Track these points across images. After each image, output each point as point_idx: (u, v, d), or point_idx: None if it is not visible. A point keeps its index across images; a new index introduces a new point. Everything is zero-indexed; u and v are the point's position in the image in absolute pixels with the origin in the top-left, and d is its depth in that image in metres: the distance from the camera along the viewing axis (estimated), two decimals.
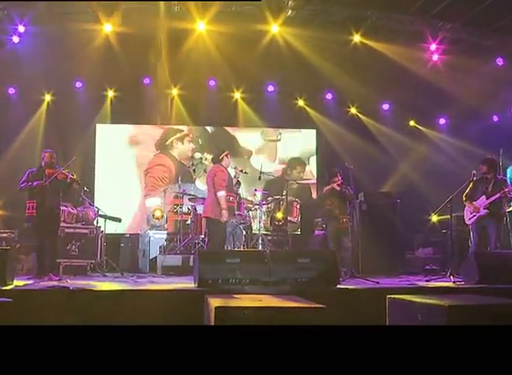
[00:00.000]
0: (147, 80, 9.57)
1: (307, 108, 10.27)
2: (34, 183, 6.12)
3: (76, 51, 8.23)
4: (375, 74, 9.12)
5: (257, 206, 8.32)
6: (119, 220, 8.08)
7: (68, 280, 5.74)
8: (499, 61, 9.02)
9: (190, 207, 8.41)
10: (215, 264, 5.01)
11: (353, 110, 10.40)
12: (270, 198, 8.62)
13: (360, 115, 10.37)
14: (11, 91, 9.29)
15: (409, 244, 8.86)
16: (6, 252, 5.25)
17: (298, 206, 8.85)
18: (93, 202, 8.20)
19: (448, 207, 6.52)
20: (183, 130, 10.08)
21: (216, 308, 3.18)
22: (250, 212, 8.39)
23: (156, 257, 7.85)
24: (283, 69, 9.37)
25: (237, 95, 10.03)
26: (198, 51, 8.70)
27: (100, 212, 7.69)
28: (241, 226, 7.75)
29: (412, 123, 10.50)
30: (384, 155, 9.90)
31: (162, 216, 8.87)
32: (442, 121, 10.57)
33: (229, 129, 10.30)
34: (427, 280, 6.27)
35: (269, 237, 8.43)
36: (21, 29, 8.08)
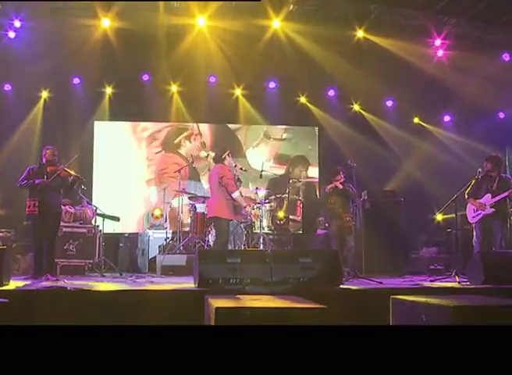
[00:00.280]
0: (146, 77, 9.56)
1: (309, 105, 10.26)
2: (36, 181, 6.11)
3: (73, 46, 8.21)
4: (379, 70, 9.10)
5: (258, 205, 8.32)
6: (118, 219, 8.08)
7: (65, 281, 5.75)
8: (506, 56, 9.00)
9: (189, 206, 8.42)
10: (216, 264, 5.01)
11: (356, 107, 10.38)
12: (272, 197, 8.62)
13: (363, 112, 10.35)
14: (7, 87, 9.27)
15: (413, 243, 8.86)
16: (2, 252, 5.25)
17: (301, 205, 8.85)
18: (91, 201, 8.20)
19: (453, 206, 6.52)
20: (188, 129, 10.07)
21: (217, 308, 3.18)
22: (251, 211, 8.39)
23: (155, 257, 7.87)
24: (285, 66, 9.34)
25: (238, 92, 10.01)
26: (198, 47, 8.69)
27: (98, 211, 7.70)
28: (242, 226, 7.75)
29: (416, 120, 10.48)
30: (388, 152, 9.89)
31: (162, 215, 8.88)
32: (447, 118, 10.55)
33: (231, 126, 10.28)
34: (431, 281, 6.27)
35: (271, 237, 8.43)
36: (17, 24, 8.06)
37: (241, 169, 7.68)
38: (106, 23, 8.26)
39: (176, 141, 9.99)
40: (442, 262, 8.00)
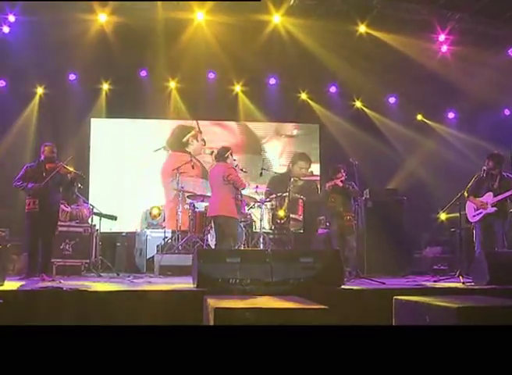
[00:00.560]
0: (143, 73, 9.55)
1: (310, 101, 10.25)
2: (29, 186, 6.10)
3: (69, 41, 8.20)
4: (381, 66, 9.09)
5: (258, 204, 8.31)
6: (115, 218, 8.08)
7: (61, 281, 5.74)
8: (511, 52, 8.98)
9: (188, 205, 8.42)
10: (215, 263, 5.01)
11: (357, 104, 10.38)
12: (273, 196, 8.62)
13: (365, 109, 10.35)
14: (1, 83, 9.27)
15: (416, 243, 8.86)
16: None
17: (302, 204, 8.85)
18: (87, 200, 8.20)
19: (457, 204, 6.51)
20: (194, 127, 10.08)
21: (216, 309, 3.17)
22: (251, 210, 8.39)
23: (153, 256, 7.86)
24: (285, 61, 9.33)
25: (238, 88, 10.01)
26: (197, 43, 8.67)
27: (95, 210, 7.69)
28: (242, 225, 7.74)
29: (420, 117, 10.48)
30: (390, 150, 9.89)
31: (160, 214, 8.87)
32: (451, 115, 10.55)
33: (236, 124, 10.26)
34: (435, 281, 6.27)
35: (271, 236, 8.43)
36: (11, 18, 8.04)
37: (242, 170, 7.67)
38: (103, 17, 8.24)
39: (183, 140, 10.01)
40: (446, 262, 8.00)
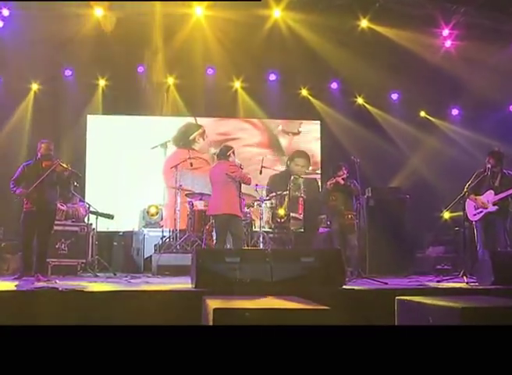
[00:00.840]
0: (141, 69, 9.54)
1: (311, 98, 10.24)
2: (17, 191, 6.11)
3: (65, 36, 8.20)
4: (384, 62, 9.08)
5: (258, 202, 8.31)
6: (112, 217, 8.08)
7: (57, 281, 5.74)
8: None
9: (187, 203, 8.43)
10: (214, 263, 5.00)
11: (359, 100, 10.37)
12: (273, 194, 8.62)
13: (367, 105, 10.34)
14: None
15: (419, 242, 8.86)
16: None
17: (303, 202, 8.85)
18: (83, 198, 8.19)
19: (461, 203, 6.50)
20: (201, 126, 10.09)
21: (215, 309, 3.17)
22: (251, 209, 8.39)
23: (151, 256, 7.86)
24: (286, 57, 9.33)
25: (237, 85, 10.00)
26: (195, 38, 8.67)
27: (91, 209, 7.69)
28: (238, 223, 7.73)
29: (423, 113, 10.47)
30: (393, 148, 9.88)
31: (157, 213, 8.87)
32: (454, 112, 10.54)
33: (242, 120, 10.26)
34: (438, 281, 6.27)
35: (271, 235, 8.43)
36: (5, 13, 8.04)
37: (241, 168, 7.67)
38: (99, 12, 8.23)
39: (190, 138, 10.03)
40: (450, 261, 8.00)
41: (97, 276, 6.95)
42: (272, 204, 8.58)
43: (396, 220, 7.92)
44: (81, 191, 8.33)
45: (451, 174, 8.76)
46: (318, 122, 10.40)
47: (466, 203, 6.56)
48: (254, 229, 8.29)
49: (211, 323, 3.19)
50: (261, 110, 10.04)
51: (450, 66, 9.02)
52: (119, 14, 8.29)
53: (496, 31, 8.72)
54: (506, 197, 6.39)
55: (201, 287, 4.81)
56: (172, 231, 8.36)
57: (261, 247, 7.85)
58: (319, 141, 10.42)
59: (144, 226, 8.84)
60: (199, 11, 8.43)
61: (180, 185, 8.55)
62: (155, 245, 8.20)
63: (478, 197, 6.48)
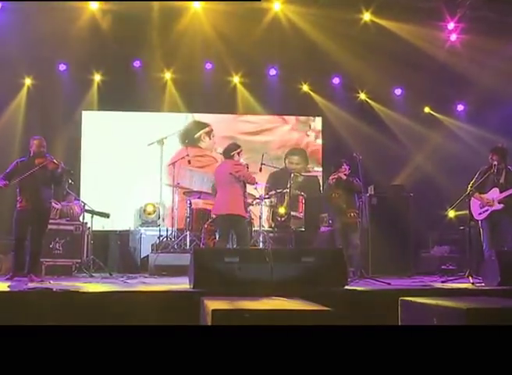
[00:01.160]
0: (137, 63, 9.52)
1: (313, 93, 10.22)
2: (0, 183, 6.07)
3: (59, 30, 8.17)
4: (387, 56, 9.07)
5: (258, 201, 8.30)
6: (108, 216, 8.08)
7: (51, 281, 5.76)
8: None
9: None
10: (213, 263, 5.01)
11: (362, 96, 10.35)
12: (273, 192, 8.61)
13: (370, 101, 10.32)
14: None
15: (423, 241, 8.86)
16: None
17: (303, 200, 8.85)
18: (78, 196, 8.19)
19: (466, 201, 6.49)
20: (208, 124, 10.09)
21: (213, 311, 3.16)
22: (250, 207, 8.37)
23: (148, 256, 7.86)
24: (286, 52, 9.32)
25: (236, 80, 9.98)
26: (193, 31, 8.66)
27: (86, 207, 7.68)
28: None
29: (427, 109, 10.45)
30: (396, 144, 9.87)
31: (155, 211, 8.87)
32: (460, 107, 10.52)
33: (250, 117, 10.26)
34: (443, 281, 6.27)
35: (271, 234, 8.43)
36: None
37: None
38: (94, 5, 8.21)
39: (195, 136, 10.04)
40: (455, 261, 7.99)
41: (92, 276, 6.96)
42: (271, 202, 8.57)
43: (400, 219, 7.90)
44: (76, 189, 8.32)
45: (456, 171, 8.75)
46: (320, 118, 10.39)
47: (470, 202, 6.54)
48: (253, 228, 8.27)
49: (209, 324, 3.19)
50: (260, 106, 10.02)
51: (456, 61, 9.01)
52: (115, 7, 8.27)
53: (503, 24, 8.70)
54: (511, 194, 6.38)
55: (200, 287, 4.81)
56: (170, 230, 8.35)
57: (261, 246, 7.84)
58: (320, 138, 10.41)
59: (140, 225, 8.84)
60: (197, 4, 8.41)
61: (178, 183, 8.54)
62: (152, 245, 8.20)
63: (482, 195, 6.47)
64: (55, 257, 7.29)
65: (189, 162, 8.78)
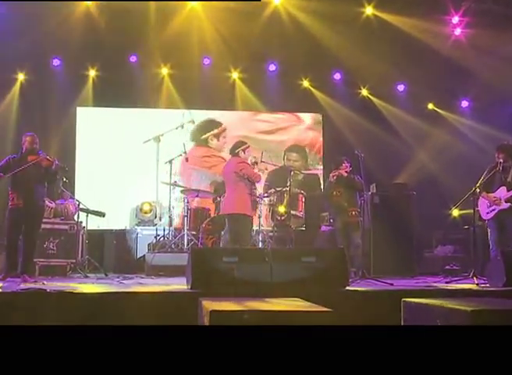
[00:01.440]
0: (133, 58, 9.51)
1: (313, 89, 10.22)
2: None
3: (53, 23, 8.16)
4: (389, 51, 9.07)
5: (257, 199, 8.29)
6: (103, 215, 8.07)
7: (45, 282, 5.75)
8: None
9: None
10: (211, 263, 5.01)
11: (364, 92, 10.36)
12: (272, 190, 8.60)
13: (372, 97, 10.33)
14: None
15: (426, 241, 8.87)
16: None
17: (303, 199, 8.85)
18: (73, 195, 8.18)
19: (471, 200, 6.49)
20: (220, 124, 10.12)
21: (211, 312, 3.16)
22: None
23: (144, 255, 7.86)
24: (286, 46, 9.31)
25: (235, 75, 9.97)
26: (191, 26, 8.66)
27: (81, 206, 7.67)
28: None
29: (431, 105, 10.46)
30: (399, 142, 9.87)
31: (151, 210, 8.87)
32: (464, 104, 10.53)
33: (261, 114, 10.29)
34: (447, 282, 6.27)
35: (270, 234, 8.42)
36: None
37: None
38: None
39: (202, 137, 10.07)
40: (459, 261, 8.00)
41: (87, 276, 6.95)
42: (270, 201, 8.57)
43: (403, 218, 7.90)
44: (71, 187, 8.31)
45: (460, 169, 8.77)
46: (320, 115, 10.39)
47: (478, 201, 6.57)
48: (252, 227, 8.27)
49: None
50: (259, 102, 10.01)
51: (460, 56, 9.01)
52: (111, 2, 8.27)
53: (509, 18, 8.70)
54: None
55: (197, 288, 4.82)
56: (167, 229, 8.34)
57: (261, 246, 7.84)
58: (321, 135, 10.41)
59: (136, 224, 8.84)
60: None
61: (175, 181, 8.53)
62: (149, 244, 8.19)
63: (489, 194, 6.48)
64: (49, 257, 7.28)
65: (186, 159, 8.76)
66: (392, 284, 5.74)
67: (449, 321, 3.37)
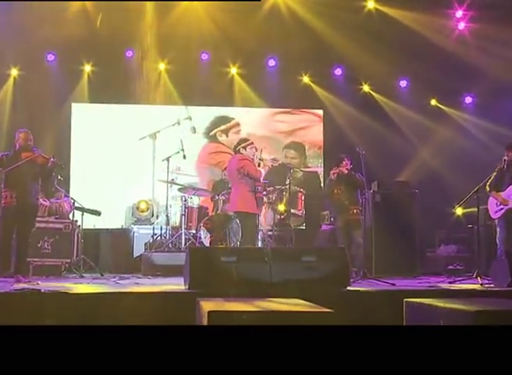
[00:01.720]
0: (129, 53, 9.49)
1: (313, 85, 10.21)
2: None
3: (47, 18, 8.14)
4: (392, 46, 9.06)
5: (262, 196, 8.28)
6: (99, 213, 8.07)
7: (39, 282, 5.75)
8: None
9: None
10: (209, 263, 5.02)
11: (365, 88, 10.34)
12: (271, 189, 8.60)
13: (373, 93, 10.31)
14: None
15: (429, 240, 8.86)
16: None
17: (303, 197, 8.84)
18: (68, 193, 8.17)
19: (475, 198, 6.51)
20: (231, 120, 10.11)
21: (209, 312, 3.17)
22: None
23: (141, 255, 7.86)
24: (286, 41, 9.30)
25: (233, 71, 9.96)
26: (189, 20, 8.64)
27: (76, 204, 7.67)
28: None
29: (434, 102, 10.44)
30: (401, 139, 9.87)
31: (148, 209, 8.86)
32: (468, 100, 10.51)
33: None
34: (450, 282, 6.29)
35: (270, 233, 8.42)
36: None
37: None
38: None
39: (211, 134, 10.08)
40: (463, 261, 8.01)
41: (82, 276, 6.95)
42: (269, 199, 8.56)
43: (405, 217, 7.89)
44: (66, 185, 8.31)
45: (464, 167, 8.76)
46: (321, 111, 10.39)
47: (488, 200, 6.63)
48: None
49: None
50: (259, 98, 10.00)
51: (464, 51, 9.00)
52: None
53: None
54: None
55: (195, 288, 4.83)
56: (164, 228, 8.34)
57: (260, 245, 7.84)
58: (321, 132, 10.40)
59: (133, 223, 8.83)
60: None
61: (173, 179, 8.53)
62: (146, 243, 8.18)
63: (498, 193, 6.51)
64: (44, 257, 7.27)
65: (184, 157, 8.74)
66: (394, 284, 5.75)
67: (453, 322, 3.37)
